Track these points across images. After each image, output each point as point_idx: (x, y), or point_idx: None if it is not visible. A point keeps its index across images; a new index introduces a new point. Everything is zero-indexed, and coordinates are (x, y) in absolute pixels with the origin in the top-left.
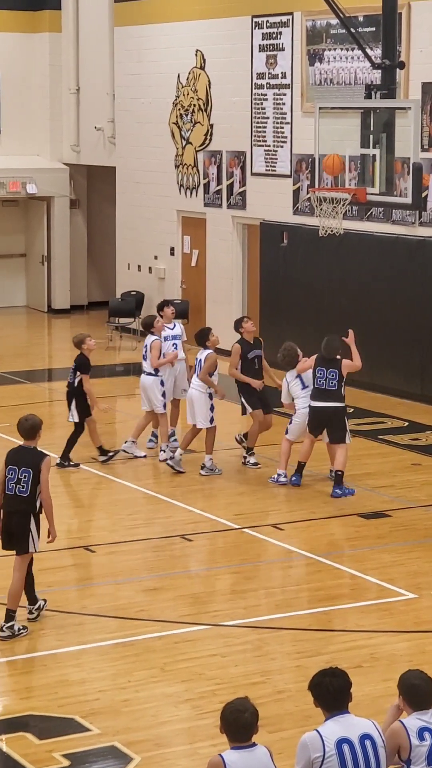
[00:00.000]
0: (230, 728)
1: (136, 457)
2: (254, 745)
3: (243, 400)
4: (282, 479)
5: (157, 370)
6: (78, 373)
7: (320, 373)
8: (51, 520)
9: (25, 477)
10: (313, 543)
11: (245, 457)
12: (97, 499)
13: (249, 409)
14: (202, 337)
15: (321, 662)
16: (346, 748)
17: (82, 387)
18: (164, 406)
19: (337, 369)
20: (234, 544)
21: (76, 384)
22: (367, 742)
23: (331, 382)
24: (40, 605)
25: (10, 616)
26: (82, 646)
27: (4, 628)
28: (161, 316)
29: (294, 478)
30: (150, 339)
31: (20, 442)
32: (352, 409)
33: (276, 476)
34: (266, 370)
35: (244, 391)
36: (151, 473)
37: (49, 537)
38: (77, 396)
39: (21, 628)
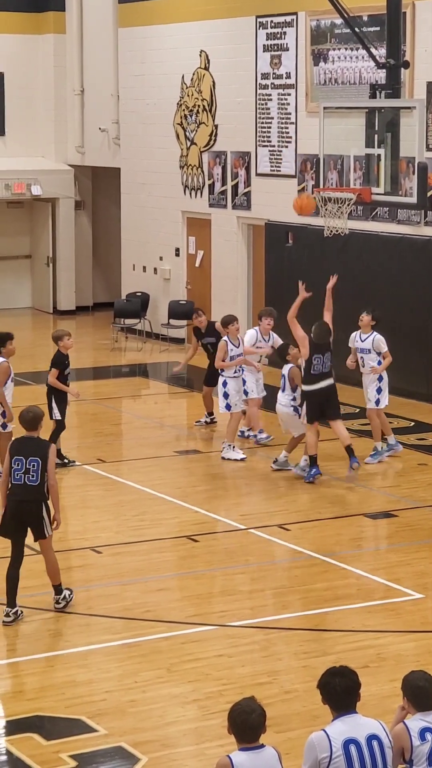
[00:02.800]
0: (238, 729)
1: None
2: (262, 746)
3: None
4: (261, 435)
5: (223, 370)
6: (52, 369)
7: (317, 360)
8: (57, 506)
9: (34, 466)
10: (319, 543)
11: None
12: (104, 500)
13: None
14: (281, 353)
15: (328, 662)
16: (353, 748)
17: (60, 384)
18: (227, 407)
19: (329, 351)
20: (240, 544)
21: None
22: (374, 743)
23: (326, 365)
24: (17, 611)
25: (59, 589)
26: (89, 647)
27: (59, 600)
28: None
29: (314, 471)
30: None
31: None
32: (357, 409)
33: (255, 435)
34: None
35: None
36: (157, 474)
37: (53, 524)
38: (55, 393)
39: (70, 592)
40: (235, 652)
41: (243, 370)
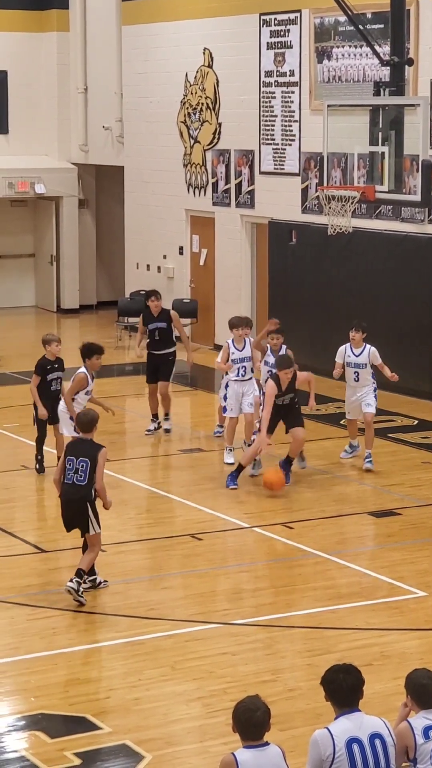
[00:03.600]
0: (242, 727)
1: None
2: (267, 744)
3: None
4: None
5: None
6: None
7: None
8: (105, 499)
9: (82, 467)
10: (322, 541)
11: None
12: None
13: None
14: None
15: (331, 660)
16: (356, 747)
17: (44, 389)
18: (224, 410)
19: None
20: (244, 542)
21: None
22: (377, 742)
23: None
24: (96, 579)
25: (80, 573)
26: (93, 645)
27: (87, 581)
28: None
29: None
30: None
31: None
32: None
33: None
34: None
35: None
36: (160, 472)
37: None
38: (41, 396)
39: (94, 580)
40: (239, 650)
41: (247, 375)
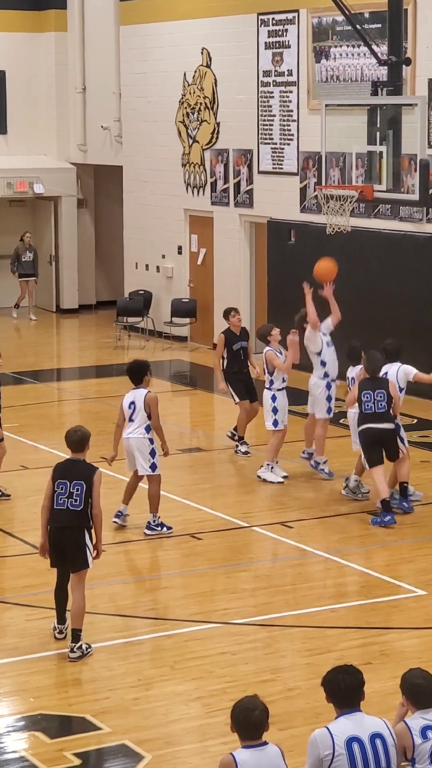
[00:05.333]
0: (241, 727)
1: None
2: (265, 743)
3: (230, 389)
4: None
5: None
6: None
7: (367, 397)
8: (99, 535)
9: (77, 490)
10: (322, 540)
11: (237, 447)
12: (106, 498)
13: (236, 399)
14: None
15: (331, 659)
16: (356, 746)
17: None
18: (274, 423)
19: (385, 390)
20: (243, 542)
21: None
22: (378, 741)
23: (380, 404)
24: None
25: (77, 636)
26: (93, 645)
27: (74, 649)
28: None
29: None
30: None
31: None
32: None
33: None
34: (251, 360)
35: (230, 381)
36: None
37: (94, 553)
38: None
39: (88, 647)
40: (239, 649)
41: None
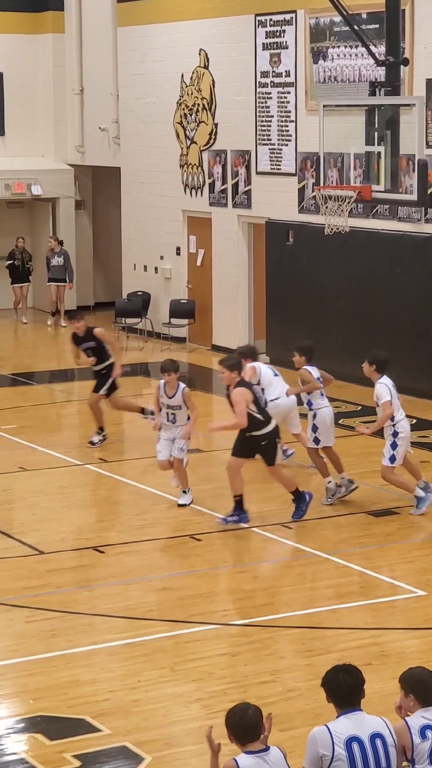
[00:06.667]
0: (237, 730)
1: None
2: (268, 748)
3: None
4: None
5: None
6: None
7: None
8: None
9: None
10: (321, 541)
11: None
12: (106, 499)
13: None
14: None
15: (331, 660)
16: (356, 746)
17: None
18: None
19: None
20: (243, 543)
21: None
22: (378, 741)
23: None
24: None
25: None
26: (92, 647)
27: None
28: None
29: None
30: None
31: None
32: (359, 407)
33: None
34: None
35: None
36: (159, 473)
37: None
38: None
39: None
40: (238, 650)
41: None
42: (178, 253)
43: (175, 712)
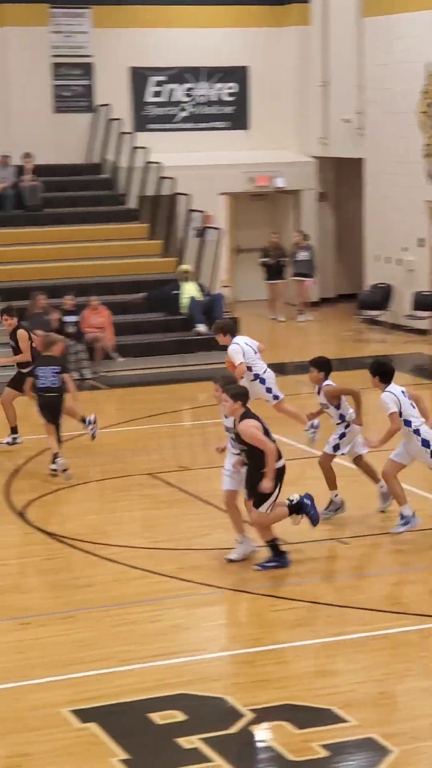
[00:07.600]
0: None
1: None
2: None
3: None
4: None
5: None
6: None
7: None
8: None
9: None
10: None
11: None
12: (358, 493)
13: None
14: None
15: None
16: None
17: None
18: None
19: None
20: None
21: None
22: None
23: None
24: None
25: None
26: (337, 638)
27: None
28: None
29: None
30: None
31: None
32: None
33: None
34: None
35: None
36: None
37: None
38: None
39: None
40: None
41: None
42: (421, 245)
43: (423, 706)
